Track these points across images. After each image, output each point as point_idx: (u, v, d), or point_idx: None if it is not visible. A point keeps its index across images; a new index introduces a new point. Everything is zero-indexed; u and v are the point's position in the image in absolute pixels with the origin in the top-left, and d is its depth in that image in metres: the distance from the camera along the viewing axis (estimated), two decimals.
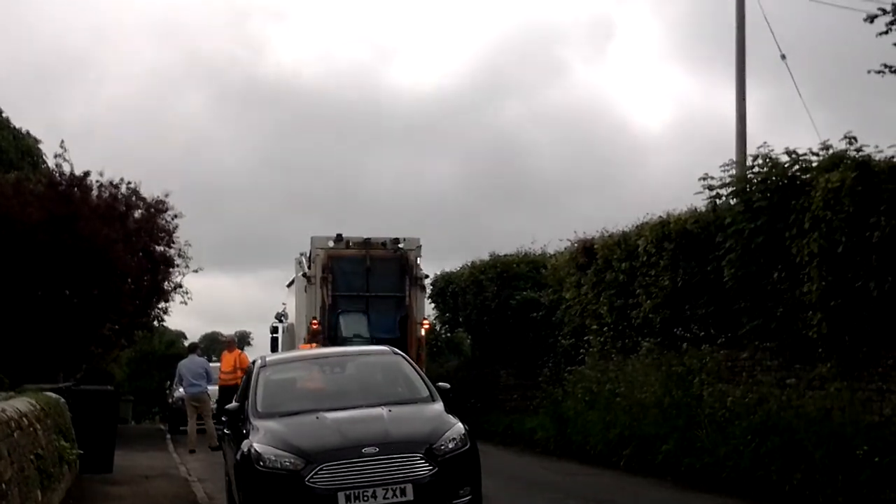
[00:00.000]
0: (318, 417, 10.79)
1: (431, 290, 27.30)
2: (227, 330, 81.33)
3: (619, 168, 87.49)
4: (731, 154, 19.73)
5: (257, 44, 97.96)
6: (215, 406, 23.25)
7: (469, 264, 26.71)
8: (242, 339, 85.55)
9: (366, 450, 10.10)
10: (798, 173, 14.20)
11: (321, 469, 9.98)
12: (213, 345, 57.28)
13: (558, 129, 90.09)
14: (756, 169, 14.97)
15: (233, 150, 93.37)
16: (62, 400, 14.66)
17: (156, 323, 31.26)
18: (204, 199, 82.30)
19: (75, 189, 25.78)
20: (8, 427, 8.49)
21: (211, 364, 23.77)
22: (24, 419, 9.74)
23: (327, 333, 22.71)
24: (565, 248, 22.28)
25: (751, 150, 17.09)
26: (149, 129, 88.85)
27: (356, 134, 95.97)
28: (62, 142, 27.07)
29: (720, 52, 78.70)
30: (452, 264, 29.05)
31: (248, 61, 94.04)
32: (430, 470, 10.16)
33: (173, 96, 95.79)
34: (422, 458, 10.20)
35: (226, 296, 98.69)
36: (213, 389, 22.40)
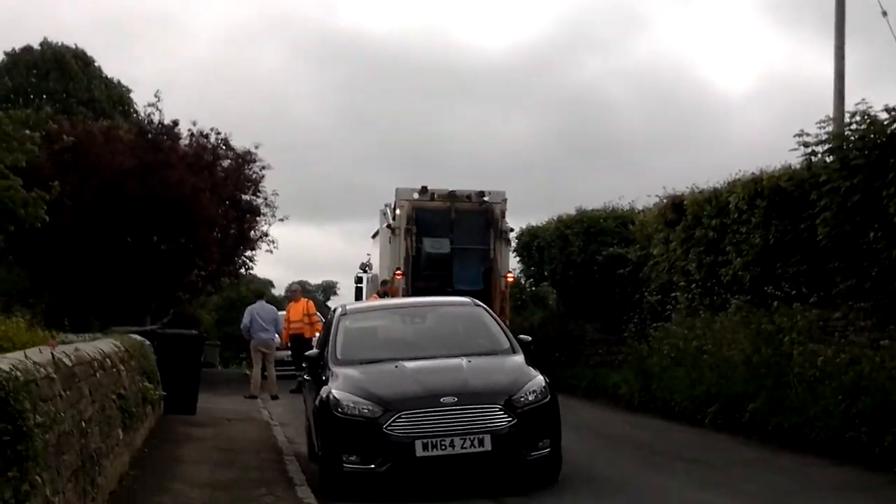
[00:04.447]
0: (396, 366, 10.74)
1: (516, 244, 27.09)
2: (314, 280, 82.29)
3: (701, 127, 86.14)
4: (820, 113, 19.07)
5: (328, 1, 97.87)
6: (289, 355, 23.55)
7: (555, 219, 26.39)
8: (329, 289, 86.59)
9: (444, 399, 10.03)
10: None
11: (399, 417, 9.94)
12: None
13: (640, 86, 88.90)
14: (854, 126, 14.46)
15: (312, 105, 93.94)
16: (147, 342, 14.82)
17: (242, 271, 31.55)
18: (286, 153, 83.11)
19: (165, 137, 26.05)
20: (90, 367, 8.54)
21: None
22: (108, 360, 9.81)
23: (410, 285, 22.65)
24: (653, 205, 21.87)
25: (848, 108, 16.57)
26: (226, 85, 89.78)
27: (434, 89, 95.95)
28: (157, 91, 27.37)
29: (809, 10, 76.72)
30: (532, 220, 28.77)
31: (321, 17, 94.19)
32: (509, 421, 10.06)
33: (251, 53, 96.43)
34: (501, 409, 10.11)
35: (311, 246, 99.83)
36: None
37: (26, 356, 6.06)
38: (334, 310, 12.90)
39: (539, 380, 10.60)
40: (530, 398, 10.30)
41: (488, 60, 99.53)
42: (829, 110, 19.09)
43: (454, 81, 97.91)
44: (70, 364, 7.54)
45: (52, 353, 6.88)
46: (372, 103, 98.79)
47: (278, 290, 64.35)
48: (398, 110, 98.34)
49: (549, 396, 10.48)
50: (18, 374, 5.44)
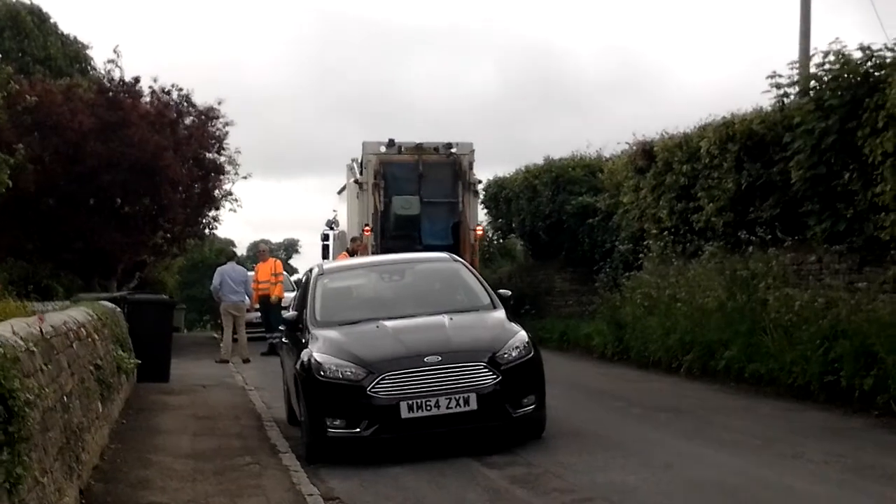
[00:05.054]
0: (378, 326, 10.60)
1: (484, 195, 26.95)
2: (276, 238, 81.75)
3: (657, 73, 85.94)
4: (780, 55, 19.07)
5: None
6: (258, 317, 23.33)
7: (523, 169, 26.23)
8: (290, 247, 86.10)
9: (428, 359, 9.91)
10: (871, 70, 13.59)
11: (383, 378, 9.81)
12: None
13: (593, 32, 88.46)
14: (827, 66, 14.36)
15: (270, 58, 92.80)
16: (118, 309, 14.58)
17: (207, 231, 31.22)
18: (243, 108, 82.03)
19: (125, 95, 25.57)
20: (67, 338, 8.33)
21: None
22: (83, 329, 9.58)
23: (379, 242, 22.48)
24: (622, 152, 21.77)
25: (813, 50, 16.47)
26: (183, 40, 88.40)
27: (392, 40, 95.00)
28: (116, 47, 26.82)
29: None
30: (494, 170, 28.62)
31: None
32: (494, 378, 9.96)
33: (208, 5, 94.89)
34: (485, 367, 10.00)
35: (270, 203, 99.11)
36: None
37: (13, 331, 5.83)
38: (310, 269, 12.70)
39: (522, 335, 10.50)
40: (514, 354, 10.20)
41: (446, 8, 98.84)
42: (790, 52, 19.04)
43: (412, 32, 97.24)
44: (48, 336, 7.33)
45: (41, 328, 6.66)
46: (331, 56, 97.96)
47: (240, 250, 63.89)
48: (357, 63, 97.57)
49: (532, 352, 10.39)
50: (5, 350, 5.23)
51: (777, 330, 14.03)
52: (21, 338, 5.90)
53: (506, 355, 10.14)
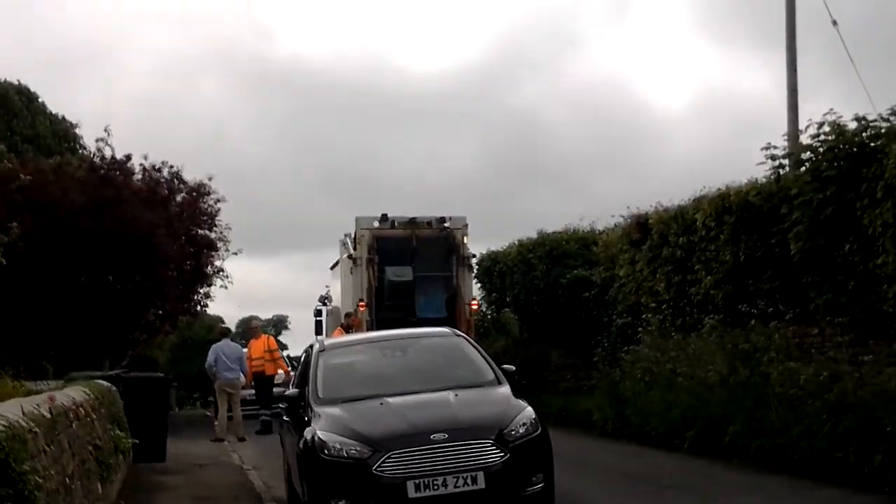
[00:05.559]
0: (382, 403, 10.39)
1: (477, 269, 26.86)
2: (263, 314, 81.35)
3: (641, 146, 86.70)
4: (762, 129, 19.26)
5: (266, 29, 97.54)
6: (252, 394, 23.08)
7: (516, 243, 26.23)
8: (280, 323, 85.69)
9: (434, 436, 9.70)
10: (867, 140, 13.65)
11: (389, 457, 9.59)
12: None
13: (578, 106, 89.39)
14: (822, 137, 14.42)
15: (253, 135, 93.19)
16: (113, 388, 14.37)
17: (199, 308, 31.03)
18: (229, 185, 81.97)
19: (117, 173, 25.58)
20: (67, 418, 8.13)
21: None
22: (81, 409, 9.39)
23: (374, 316, 22.34)
24: (616, 225, 21.78)
25: (802, 122, 16.59)
26: (168, 117, 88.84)
27: (374, 116, 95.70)
28: (107, 126, 26.89)
29: (743, 27, 77.67)
30: (482, 244, 28.60)
31: (258, 46, 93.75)
32: (502, 456, 9.75)
33: (189, 84, 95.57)
34: (492, 444, 9.79)
35: (257, 280, 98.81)
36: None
37: (23, 411, 5.67)
38: (310, 345, 12.53)
39: (528, 411, 10.32)
40: (521, 431, 10.00)
41: (427, 85, 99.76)
42: (771, 125, 19.19)
43: (394, 107, 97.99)
44: (49, 416, 7.15)
45: (51, 409, 6.49)
46: (314, 131, 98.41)
47: (229, 327, 63.36)
48: (341, 138, 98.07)
49: (539, 429, 10.20)
50: (14, 432, 5.06)
51: (782, 404, 13.87)
52: (29, 419, 5.73)
53: (513, 432, 9.94)
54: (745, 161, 56.70)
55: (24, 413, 5.61)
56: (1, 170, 19.83)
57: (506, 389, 10.92)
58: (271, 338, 24.71)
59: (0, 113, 40.02)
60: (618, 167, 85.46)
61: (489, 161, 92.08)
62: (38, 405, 6.34)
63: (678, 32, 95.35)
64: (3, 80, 41.43)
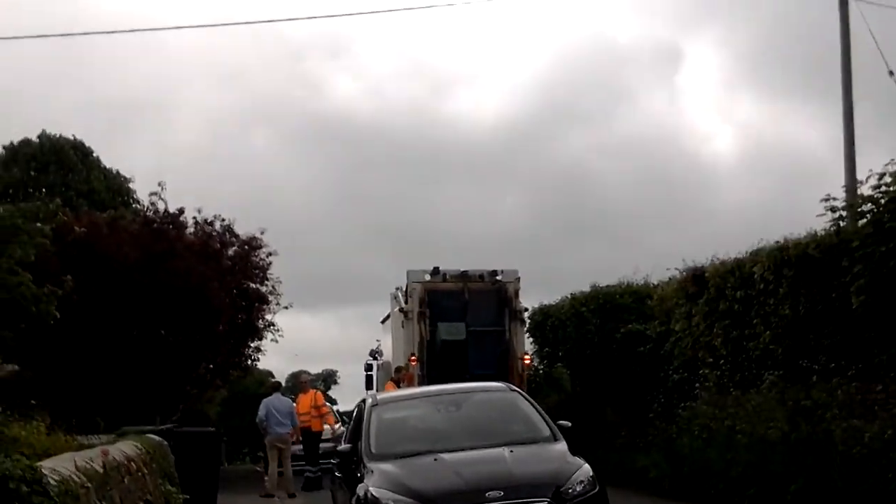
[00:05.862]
0: (436, 459, 10.22)
1: (529, 323, 26.60)
2: (313, 369, 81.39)
3: (690, 198, 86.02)
4: (813, 181, 18.98)
5: (314, 82, 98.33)
6: (300, 449, 22.92)
7: (569, 296, 25.92)
8: (329, 378, 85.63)
9: (489, 493, 9.50)
10: None
11: None
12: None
13: (628, 158, 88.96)
14: (883, 188, 14.13)
15: (300, 189, 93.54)
16: (165, 442, 14.29)
17: (250, 362, 31.02)
18: (278, 238, 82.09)
19: (170, 226, 25.73)
20: (119, 472, 8.03)
21: None
22: (132, 463, 9.30)
23: (425, 371, 22.13)
24: (671, 278, 21.46)
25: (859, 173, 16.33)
26: (219, 171, 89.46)
27: (423, 169, 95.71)
28: (161, 182, 27.10)
29: (791, 78, 77.20)
30: (533, 298, 28.25)
31: (306, 100, 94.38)
32: None
33: (240, 138, 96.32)
34: (549, 503, 9.55)
35: (307, 334, 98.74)
36: None
37: (76, 466, 5.56)
38: (363, 400, 12.39)
39: (586, 469, 10.10)
40: (579, 489, 9.79)
41: (475, 138, 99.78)
42: (820, 176, 18.93)
43: (445, 160, 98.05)
44: (102, 471, 7.04)
45: (105, 463, 6.39)
46: (364, 185, 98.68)
47: (280, 381, 63.37)
48: (390, 191, 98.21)
49: (597, 487, 9.98)
50: (67, 487, 4.94)
51: (845, 463, 13.48)
52: (82, 473, 5.61)
53: (570, 490, 9.73)
54: (797, 212, 56.24)
55: (77, 468, 5.49)
56: (56, 223, 20.05)
57: (562, 446, 10.71)
58: (319, 393, 24.63)
59: (56, 168, 40.68)
60: (668, 219, 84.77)
61: (539, 214, 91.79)
62: (90, 459, 6.22)
63: (727, 83, 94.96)
64: (59, 135, 42.14)
